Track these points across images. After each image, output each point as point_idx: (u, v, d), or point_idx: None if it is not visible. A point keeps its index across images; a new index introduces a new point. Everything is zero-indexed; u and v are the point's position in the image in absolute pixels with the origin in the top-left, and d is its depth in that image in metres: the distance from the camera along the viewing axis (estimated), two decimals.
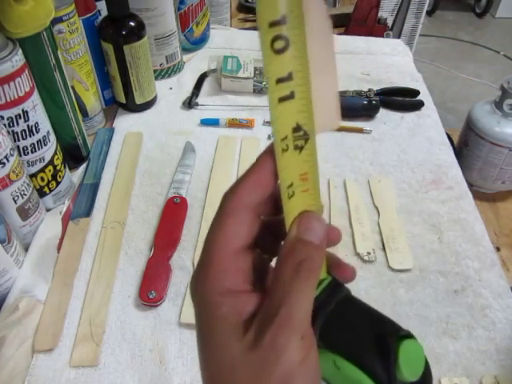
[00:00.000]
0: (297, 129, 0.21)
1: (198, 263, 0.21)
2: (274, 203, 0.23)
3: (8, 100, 0.44)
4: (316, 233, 0.21)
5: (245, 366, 0.19)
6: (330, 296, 0.23)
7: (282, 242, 0.22)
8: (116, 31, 0.63)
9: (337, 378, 0.22)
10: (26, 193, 0.48)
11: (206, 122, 0.70)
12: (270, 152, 0.21)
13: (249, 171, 0.21)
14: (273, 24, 0.19)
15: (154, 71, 0.75)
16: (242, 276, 0.21)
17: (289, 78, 0.20)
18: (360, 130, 0.69)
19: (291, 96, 0.20)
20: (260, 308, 0.20)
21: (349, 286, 0.51)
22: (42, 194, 0.53)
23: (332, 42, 0.21)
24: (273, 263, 0.24)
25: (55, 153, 0.53)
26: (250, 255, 0.22)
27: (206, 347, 0.21)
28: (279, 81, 0.20)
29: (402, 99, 0.76)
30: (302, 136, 0.21)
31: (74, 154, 0.62)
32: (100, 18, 0.65)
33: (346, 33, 1.03)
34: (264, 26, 0.19)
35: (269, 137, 0.68)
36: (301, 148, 0.21)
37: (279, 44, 0.19)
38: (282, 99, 0.20)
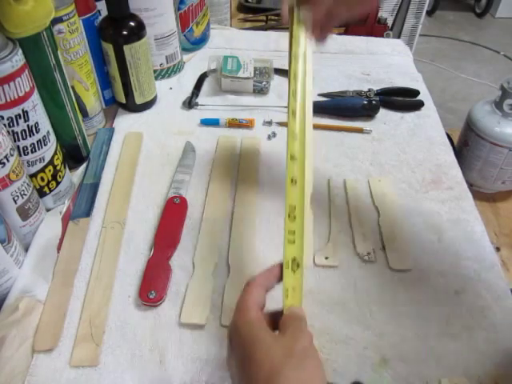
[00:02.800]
0: (293, 260, 0.37)
1: (236, 310, 0.35)
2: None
3: (8, 100, 0.44)
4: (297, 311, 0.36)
5: (276, 345, 0.32)
6: None
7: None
8: (116, 31, 0.63)
9: None
10: (25, 193, 0.48)
11: (206, 122, 0.70)
12: (277, 265, 0.37)
13: (265, 270, 0.37)
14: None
15: (154, 71, 0.75)
16: (260, 311, 0.35)
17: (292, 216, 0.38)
18: (360, 130, 0.69)
19: (293, 241, 0.37)
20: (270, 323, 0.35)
21: (349, 286, 0.51)
22: (42, 194, 0.53)
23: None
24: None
25: (55, 153, 0.53)
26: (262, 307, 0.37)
27: (254, 344, 0.32)
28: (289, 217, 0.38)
29: (402, 99, 0.76)
30: (297, 266, 0.37)
31: (74, 154, 0.62)
32: (100, 17, 0.65)
33: (346, 33, 1.03)
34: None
35: (269, 137, 0.68)
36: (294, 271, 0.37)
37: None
38: (289, 241, 0.37)
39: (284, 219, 0.38)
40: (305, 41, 0.48)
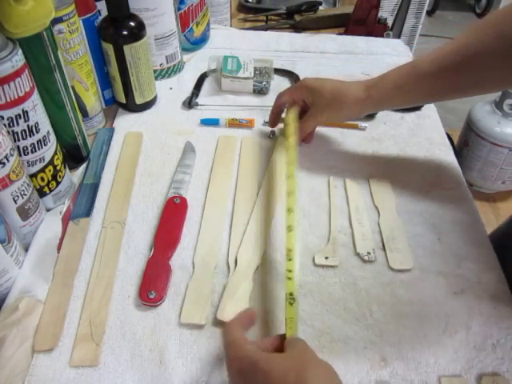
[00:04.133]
0: (291, 294, 0.41)
1: (228, 343, 0.38)
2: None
3: (8, 100, 0.44)
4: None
5: (290, 356, 0.36)
6: None
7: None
8: (116, 31, 0.63)
9: None
10: (26, 193, 0.48)
11: (206, 122, 0.70)
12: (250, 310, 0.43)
13: (242, 312, 0.41)
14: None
15: (154, 71, 0.75)
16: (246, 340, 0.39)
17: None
18: (355, 126, 0.69)
19: (290, 277, 0.42)
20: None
21: (349, 286, 0.51)
22: (42, 193, 0.53)
23: None
24: None
25: (55, 153, 0.53)
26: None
27: (269, 362, 0.35)
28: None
29: None
30: (293, 300, 0.41)
31: (74, 154, 0.62)
32: (100, 18, 0.65)
33: (346, 33, 1.03)
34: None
35: (269, 136, 0.68)
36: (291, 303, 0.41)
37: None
38: (288, 278, 0.42)
39: (284, 261, 0.45)
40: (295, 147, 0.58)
